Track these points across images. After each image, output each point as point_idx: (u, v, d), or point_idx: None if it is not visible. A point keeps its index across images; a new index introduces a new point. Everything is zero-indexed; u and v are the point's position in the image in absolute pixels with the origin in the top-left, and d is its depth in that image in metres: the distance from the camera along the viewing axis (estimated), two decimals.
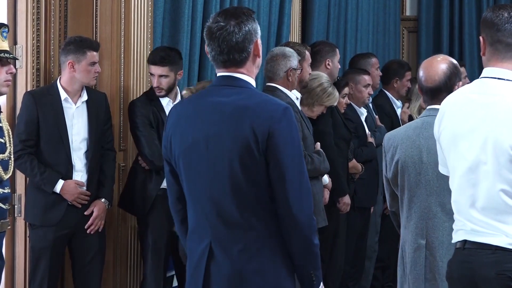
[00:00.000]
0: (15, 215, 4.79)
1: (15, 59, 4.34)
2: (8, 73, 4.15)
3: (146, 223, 5.10)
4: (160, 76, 5.06)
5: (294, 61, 5.28)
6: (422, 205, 3.79)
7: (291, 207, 2.85)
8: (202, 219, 2.95)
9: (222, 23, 2.89)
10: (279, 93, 5.17)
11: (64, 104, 4.75)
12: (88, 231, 4.81)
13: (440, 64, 3.79)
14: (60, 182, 4.68)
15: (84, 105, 4.82)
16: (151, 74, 5.11)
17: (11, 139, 4.28)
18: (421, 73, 3.81)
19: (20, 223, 4.82)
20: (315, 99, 5.54)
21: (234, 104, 2.90)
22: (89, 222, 4.81)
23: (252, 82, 2.98)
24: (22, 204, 4.78)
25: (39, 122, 4.66)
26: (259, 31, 2.98)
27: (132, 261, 5.33)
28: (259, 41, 2.98)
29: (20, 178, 4.82)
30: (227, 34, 2.89)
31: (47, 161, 4.68)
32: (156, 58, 5.06)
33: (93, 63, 4.78)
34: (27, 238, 4.80)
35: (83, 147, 4.80)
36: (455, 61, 3.84)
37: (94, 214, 4.82)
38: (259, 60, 3.01)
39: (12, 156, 4.26)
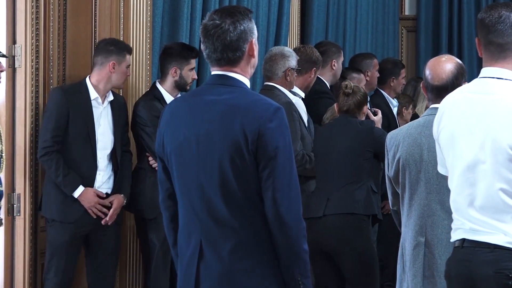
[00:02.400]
0: (14, 215, 4.78)
1: (4, 56, 4.33)
2: None
3: (156, 223, 5.02)
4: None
5: (292, 61, 5.29)
6: (422, 202, 3.80)
7: (279, 206, 2.83)
8: (192, 216, 2.95)
9: (217, 21, 2.89)
10: (277, 92, 5.18)
11: (93, 103, 4.81)
12: (103, 223, 4.79)
13: (447, 64, 3.81)
14: (80, 188, 4.72)
15: (109, 106, 4.89)
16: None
17: (2, 138, 4.26)
18: (427, 72, 3.82)
19: (19, 223, 4.80)
20: None
21: (225, 103, 2.90)
22: (110, 214, 4.80)
23: (246, 81, 2.97)
24: (21, 203, 4.76)
25: (69, 119, 4.70)
26: (255, 31, 2.96)
27: (132, 261, 5.32)
28: (255, 41, 2.96)
29: (19, 177, 4.78)
30: (222, 32, 2.88)
31: (72, 158, 4.72)
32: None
33: (128, 66, 4.91)
34: (27, 238, 4.79)
35: (108, 147, 4.85)
36: (460, 61, 3.86)
37: (114, 206, 4.82)
38: (254, 60, 2.99)
39: (3, 154, 4.24)
